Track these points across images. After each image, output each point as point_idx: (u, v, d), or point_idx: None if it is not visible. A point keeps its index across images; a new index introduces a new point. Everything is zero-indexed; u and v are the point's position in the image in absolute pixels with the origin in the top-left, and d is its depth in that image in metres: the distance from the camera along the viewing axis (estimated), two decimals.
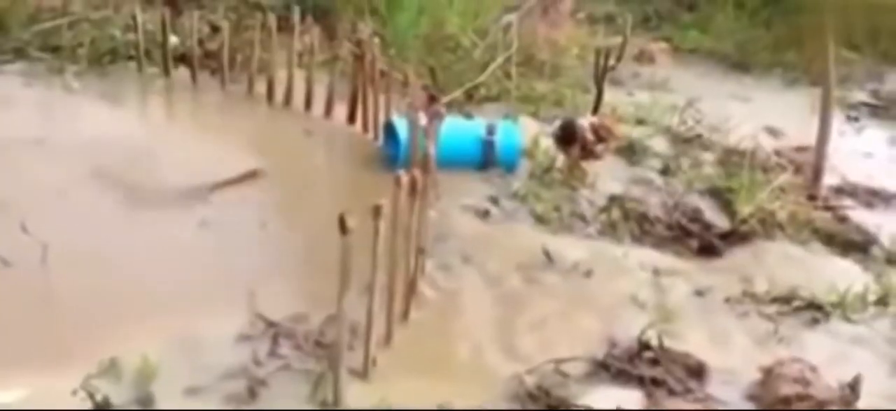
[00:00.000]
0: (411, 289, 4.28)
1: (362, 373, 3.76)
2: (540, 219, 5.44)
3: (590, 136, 5.96)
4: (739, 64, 9.31)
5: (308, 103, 6.67)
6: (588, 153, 5.99)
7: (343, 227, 3.46)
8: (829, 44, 6.20)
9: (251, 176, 5.36)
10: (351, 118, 6.49)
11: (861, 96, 8.62)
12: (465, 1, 8.27)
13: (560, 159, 6.06)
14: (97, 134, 5.84)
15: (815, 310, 4.69)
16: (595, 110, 6.57)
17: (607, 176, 6.07)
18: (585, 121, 6.10)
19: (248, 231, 4.92)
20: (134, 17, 7.10)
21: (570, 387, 3.90)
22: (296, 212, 5.25)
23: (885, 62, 9.37)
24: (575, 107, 7.05)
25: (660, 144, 6.77)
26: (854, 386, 3.99)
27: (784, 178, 6.22)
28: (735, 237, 5.47)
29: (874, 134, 7.86)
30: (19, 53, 7.17)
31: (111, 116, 6.34)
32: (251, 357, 3.80)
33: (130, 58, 7.23)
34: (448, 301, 4.50)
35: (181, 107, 6.57)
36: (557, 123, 6.25)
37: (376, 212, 3.66)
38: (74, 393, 3.36)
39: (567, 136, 6.01)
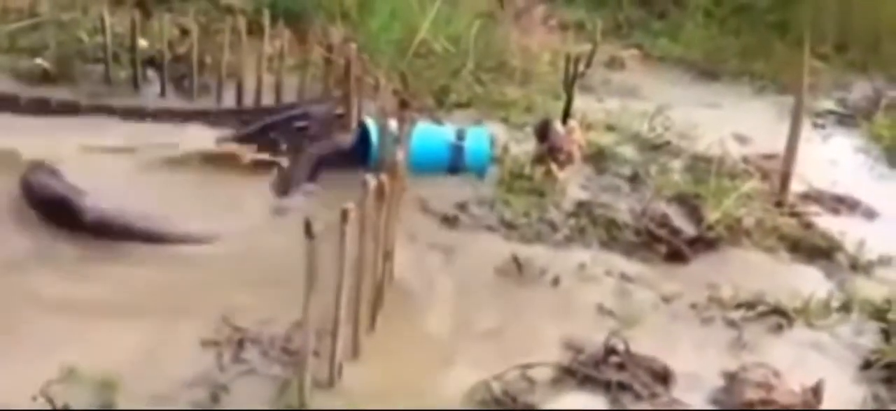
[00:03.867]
0: (379, 294, 4.27)
1: (328, 378, 3.74)
2: (509, 226, 5.45)
3: (558, 143, 6.04)
4: (708, 71, 9.38)
5: None
6: (555, 153, 6.05)
7: (308, 232, 3.45)
8: (803, 53, 6.27)
9: None
10: None
11: (828, 105, 8.71)
12: (438, 7, 8.27)
13: (528, 167, 6.11)
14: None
15: (779, 316, 4.73)
16: (564, 116, 6.60)
17: (576, 182, 6.10)
18: (561, 128, 6.20)
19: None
20: (102, 20, 7.04)
21: (537, 393, 3.92)
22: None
23: (852, 71, 9.48)
24: (545, 113, 7.07)
25: (629, 151, 6.82)
26: (817, 391, 4.03)
27: (751, 185, 6.27)
28: (702, 243, 5.50)
29: (840, 142, 7.95)
30: None
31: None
32: (216, 362, 3.78)
33: (97, 60, 7.16)
34: (415, 306, 4.49)
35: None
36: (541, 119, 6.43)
37: (343, 216, 3.65)
38: (34, 399, 3.31)
39: (542, 133, 6.19)
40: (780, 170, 6.34)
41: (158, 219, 4.83)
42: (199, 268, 4.55)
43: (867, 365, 4.43)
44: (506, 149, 6.40)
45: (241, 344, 3.93)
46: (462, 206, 5.56)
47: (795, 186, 6.34)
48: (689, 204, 5.97)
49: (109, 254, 4.58)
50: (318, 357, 3.69)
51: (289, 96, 6.64)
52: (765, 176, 6.54)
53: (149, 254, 4.65)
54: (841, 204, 6.39)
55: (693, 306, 4.81)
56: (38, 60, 6.99)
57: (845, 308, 4.89)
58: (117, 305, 4.16)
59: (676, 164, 6.68)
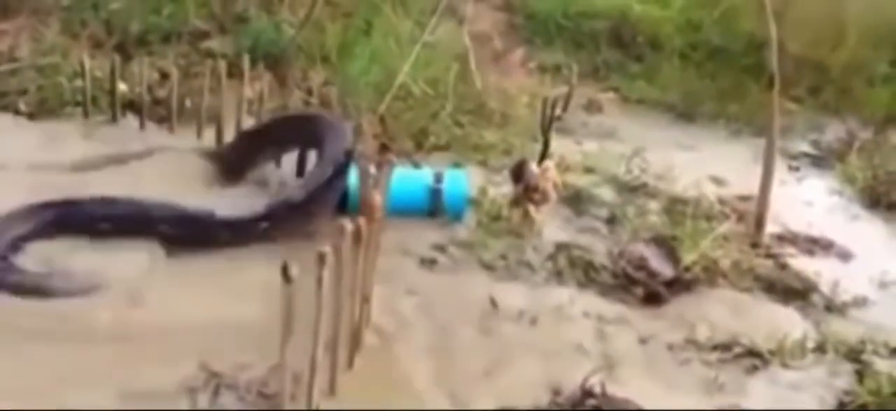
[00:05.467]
0: (356, 337, 4.27)
1: None
2: (487, 267, 5.48)
3: (533, 182, 6.11)
4: (685, 114, 9.45)
5: None
6: (530, 192, 6.11)
7: (286, 276, 3.46)
8: (774, 96, 6.36)
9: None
10: (300, 170, 6.40)
11: (802, 146, 8.80)
12: (417, 50, 8.33)
13: (505, 209, 6.15)
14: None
15: (754, 358, 4.76)
16: (541, 159, 6.66)
17: (554, 224, 6.14)
18: (536, 168, 6.26)
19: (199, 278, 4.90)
20: (82, 64, 7.05)
21: None
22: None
23: (826, 113, 9.60)
24: (523, 156, 7.13)
25: (606, 193, 6.86)
26: None
27: (727, 226, 6.33)
28: (679, 285, 5.54)
29: (814, 183, 8.02)
30: None
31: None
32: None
33: (77, 104, 7.16)
34: (393, 349, 4.50)
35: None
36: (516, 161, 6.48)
37: (320, 259, 3.66)
38: None
39: (517, 173, 6.27)
40: (755, 211, 6.41)
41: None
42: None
43: (841, 407, 4.47)
44: (484, 191, 6.43)
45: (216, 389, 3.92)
46: (440, 248, 5.59)
47: (771, 228, 6.39)
48: (666, 245, 6.00)
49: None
50: (295, 400, 3.69)
51: None
52: (740, 217, 6.60)
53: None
54: (816, 245, 6.44)
55: (670, 347, 4.84)
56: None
57: (820, 349, 4.93)
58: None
59: (653, 206, 6.73)
